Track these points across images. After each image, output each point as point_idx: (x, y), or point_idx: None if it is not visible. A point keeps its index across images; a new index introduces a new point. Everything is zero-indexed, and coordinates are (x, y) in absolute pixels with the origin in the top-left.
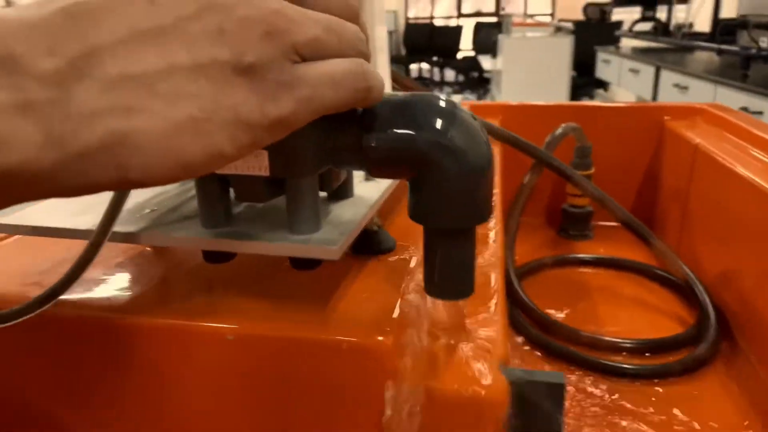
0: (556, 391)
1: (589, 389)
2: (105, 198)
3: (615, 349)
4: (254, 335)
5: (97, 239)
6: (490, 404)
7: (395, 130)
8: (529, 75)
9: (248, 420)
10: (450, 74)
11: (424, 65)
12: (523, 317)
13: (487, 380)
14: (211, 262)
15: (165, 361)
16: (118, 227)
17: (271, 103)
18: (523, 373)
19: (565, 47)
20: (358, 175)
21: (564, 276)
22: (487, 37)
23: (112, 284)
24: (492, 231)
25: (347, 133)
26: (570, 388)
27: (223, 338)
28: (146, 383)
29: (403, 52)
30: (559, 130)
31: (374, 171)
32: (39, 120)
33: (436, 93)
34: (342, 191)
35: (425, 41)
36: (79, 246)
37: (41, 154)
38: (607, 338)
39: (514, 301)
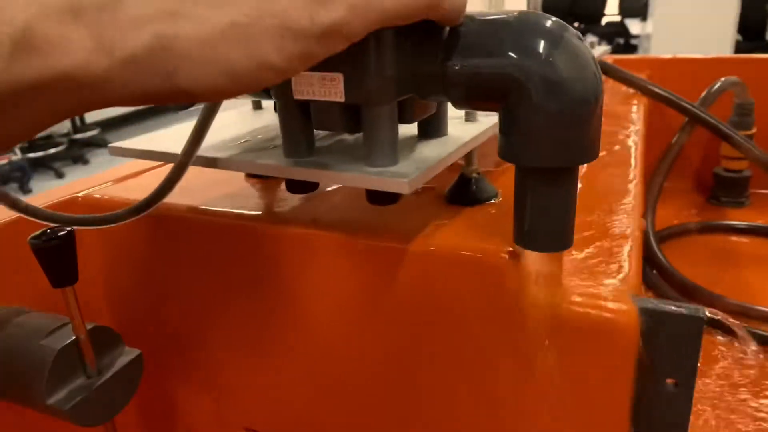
0: (694, 324)
1: (739, 355)
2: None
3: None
4: (382, 246)
5: (183, 160)
6: (620, 331)
7: (483, 53)
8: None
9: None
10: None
11: None
12: (660, 280)
13: (616, 305)
14: (292, 191)
15: (301, 267)
16: (210, 153)
17: (320, 8)
18: (657, 304)
19: (729, 5)
20: (458, 115)
21: (711, 243)
22: None
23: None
24: (631, 184)
25: (429, 56)
26: (720, 350)
27: (355, 248)
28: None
29: None
30: (717, 85)
31: (458, 100)
32: (89, 24)
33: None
34: (433, 129)
35: (566, 4)
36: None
37: (92, 58)
38: (760, 307)
39: (651, 264)
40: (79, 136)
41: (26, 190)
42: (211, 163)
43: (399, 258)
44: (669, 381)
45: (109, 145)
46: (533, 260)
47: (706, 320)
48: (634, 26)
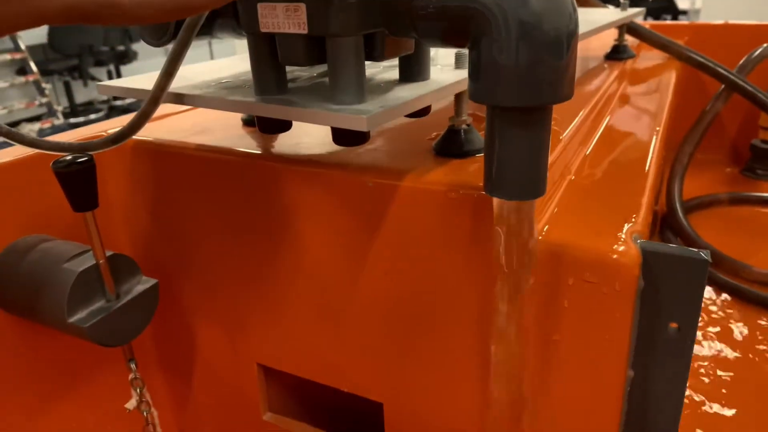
0: (698, 268)
1: (762, 322)
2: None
3: None
4: (384, 184)
5: (155, 94)
6: (620, 269)
7: None
8: (736, 15)
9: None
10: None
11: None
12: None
13: (617, 244)
14: (264, 131)
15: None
16: (185, 90)
17: None
18: (660, 246)
19: None
20: (449, 62)
21: (741, 214)
22: None
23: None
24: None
25: None
26: (738, 325)
27: (365, 185)
28: (280, 223)
29: None
30: (758, 51)
31: (427, 36)
32: None
33: None
34: (414, 72)
35: None
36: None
37: None
38: None
39: (675, 231)
40: (118, 102)
41: None
42: (180, 99)
43: (388, 194)
44: (672, 325)
45: (97, 83)
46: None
47: (709, 263)
48: (682, 2)
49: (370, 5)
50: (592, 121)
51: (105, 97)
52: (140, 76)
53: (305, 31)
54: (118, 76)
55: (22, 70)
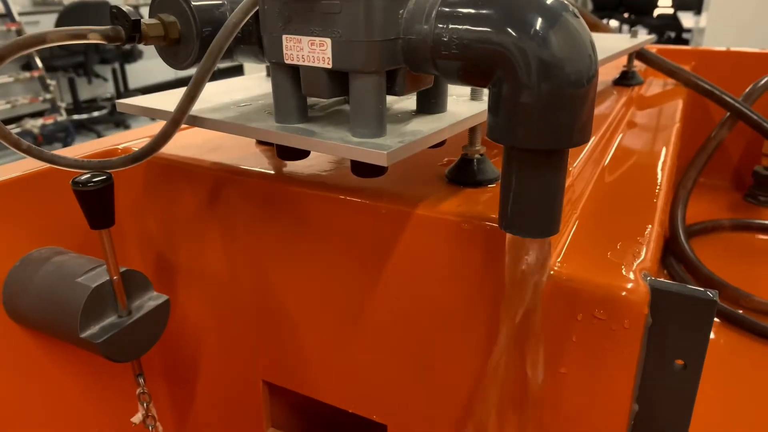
0: (705, 307)
1: (755, 355)
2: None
3: None
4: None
5: (176, 117)
6: (630, 306)
7: (474, 23)
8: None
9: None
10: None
11: (613, 23)
12: (686, 274)
13: (627, 282)
14: (282, 158)
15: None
16: (205, 113)
17: None
18: (669, 285)
19: None
20: (465, 93)
21: (743, 241)
22: None
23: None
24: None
25: (418, 24)
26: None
27: (378, 211)
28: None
29: (590, 6)
30: (764, 80)
31: (447, 74)
32: None
33: None
34: (431, 104)
35: None
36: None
37: None
38: None
39: (678, 257)
40: (122, 101)
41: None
42: (201, 123)
43: (401, 221)
44: (678, 362)
45: (116, 101)
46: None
47: (716, 302)
48: (687, 20)
49: (393, 44)
50: (600, 150)
51: (108, 95)
52: (158, 94)
53: (329, 66)
54: (123, 74)
55: (28, 65)
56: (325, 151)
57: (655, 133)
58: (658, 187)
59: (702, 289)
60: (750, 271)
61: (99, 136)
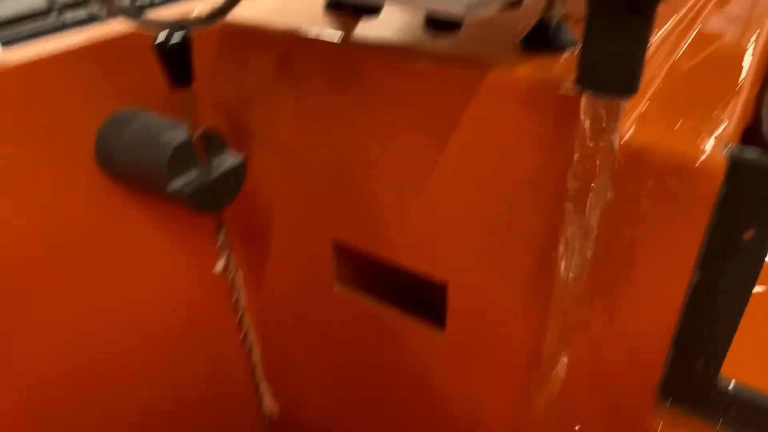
0: None
1: None
2: None
3: None
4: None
5: None
6: (703, 176)
7: None
8: None
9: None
10: None
11: None
12: None
13: (703, 151)
14: (356, 12)
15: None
16: None
17: None
18: (749, 155)
19: None
20: None
21: None
22: None
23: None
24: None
25: None
26: None
27: (450, 76)
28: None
29: None
30: None
31: None
32: None
33: None
34: None
35: None
36: None
37: None
38: None
39: (761, 146)
40: None
41: None
42: None
43: (472, 86)
44: (747, 234)
45: None
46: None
47: None
48: None
49: None
50: (688, 21)
51: None
52: None
53: None
54: None
55: None
56: (402, 3)
57: (748, 6)
58: (746, 63)
59: None
60: None
61: None
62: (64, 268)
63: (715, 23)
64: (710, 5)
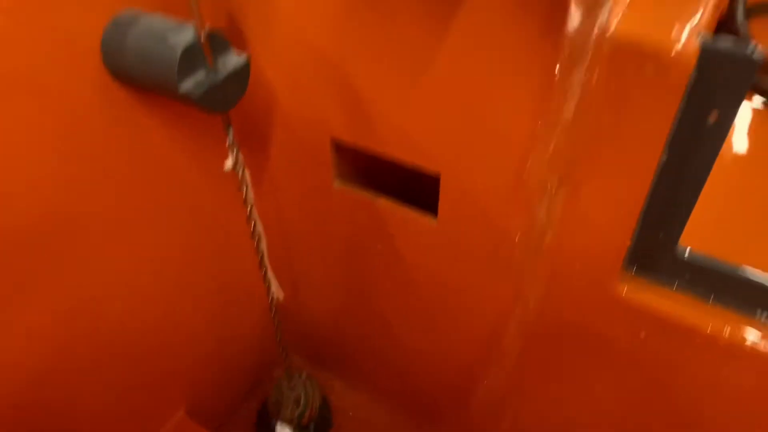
0: (746, 68)
1: None
2: None
3: None
4: None
5: None
6: (677, 64)
7: None
8: None
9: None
10: None
11: None
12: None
13: (677, 41)
14: None
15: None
16: None
17: None
18: (719, 43)
19: None
20: None
21: None
22: None
23: None
24: None
25: None
26: None
27: None
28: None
29: None
30: None
31: None
32: None
33: None
34: None
35: None
36: None
37: None
38: None
39: (731, 35)
40: None
41: None
42: None
43: None
44: (711, 118)
45: None
46: None
47: (759, 63)
48: None
49: None
50: None
51: None
52: None
53: None
54: None
55: None
56: None
57: None
58: None
59: (748, 46)
60: None
61: None
62: (79, 177)
63: None
64: None
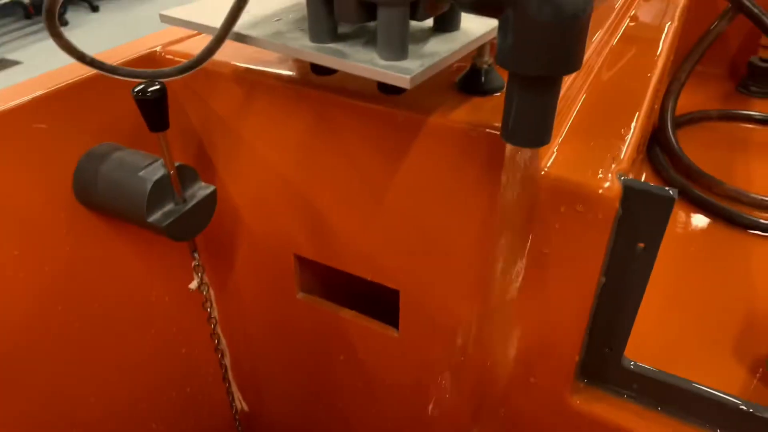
0: (665, 202)
1: (718, 236)
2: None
3: (760, 206)
4: (414, 118)
5: (221, 34)
6: (604, 201)
7: None
8: None
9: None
10: None
11: None
12: (667, 162)
13: (603, 182)
14: (316, 74)
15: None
16: (245, 29)
17: None
18: (638, 183)
19: None
20: None
21: (728, 131)
22: None
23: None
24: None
25: None
26: (695, 231)
27: (397, 119)
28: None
29: None
30: None
31: (463, 5)
32: None
33: None
34: (447, 23)
35: None
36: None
37: None
38: (753, 194)
39: (663, 147)
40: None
41: (63, 23)
42: (243, 39)
43: (416, 127)
44: (640, 245)
45: (161, 13)
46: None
47: (675, 199)
48: None
49: None
50: (597, 52)
51: None
52: (201, 4)
53: None
54: None
55: None
56: (356, 72)
57: (655, 27)
58: (649, 85)
59: (665, 188)
60: (730, 159)
61: (92, 6)
62: (47, 296)
63: (632, 32)
64: (628, 15)
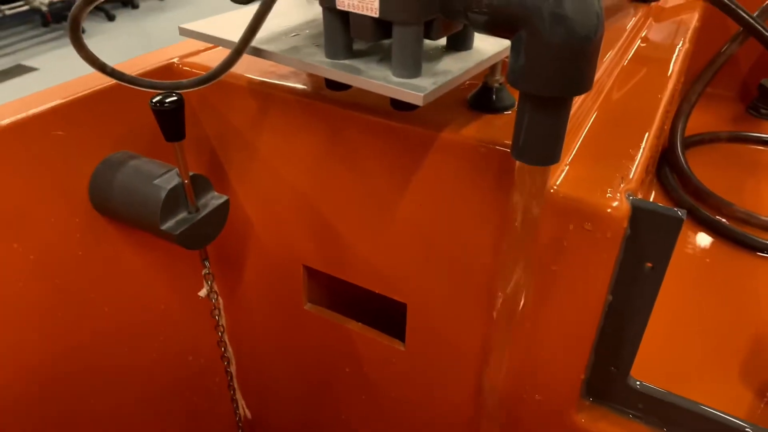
0: (674, 222)
1: (727, 258)
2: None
3: None
4: (426, 134)
5: (239, 47)
6: (612, 221)
7: None
8: None
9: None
10: None
11: None
12: (677, 183)
13: (612, 201)
14: (330, 89)
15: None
16: (262, 44)
17: None
18: (646, 204)
19: None
20: None
21: (738, 153)
22: None
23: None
24: (663, 94)
25: None
26: (704, 252)
27: (409, 134)
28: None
29: None
30: None
31: (477, 26)
32: None
33: None
34: (460, 42)
35: None
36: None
37: None
38: (763, 216)
39: (672, 167)
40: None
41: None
42: (260, 53)
43: (428, 142)
44: (647, 264)
45: (180, 26)
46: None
47: (683, 220)
48: None
49: (432, 0)
50: (608, 72)
51: None
52: (220, 17)
53: (376, 15)
54: None
55: None
56: (370, 88)
57: (666, 48)
58: (659, 105)
59: (673, 208)
60: (739, 181)
61: (108, 15)
62: (59, 299)
63: (643, 53)
64: (639, 36)
